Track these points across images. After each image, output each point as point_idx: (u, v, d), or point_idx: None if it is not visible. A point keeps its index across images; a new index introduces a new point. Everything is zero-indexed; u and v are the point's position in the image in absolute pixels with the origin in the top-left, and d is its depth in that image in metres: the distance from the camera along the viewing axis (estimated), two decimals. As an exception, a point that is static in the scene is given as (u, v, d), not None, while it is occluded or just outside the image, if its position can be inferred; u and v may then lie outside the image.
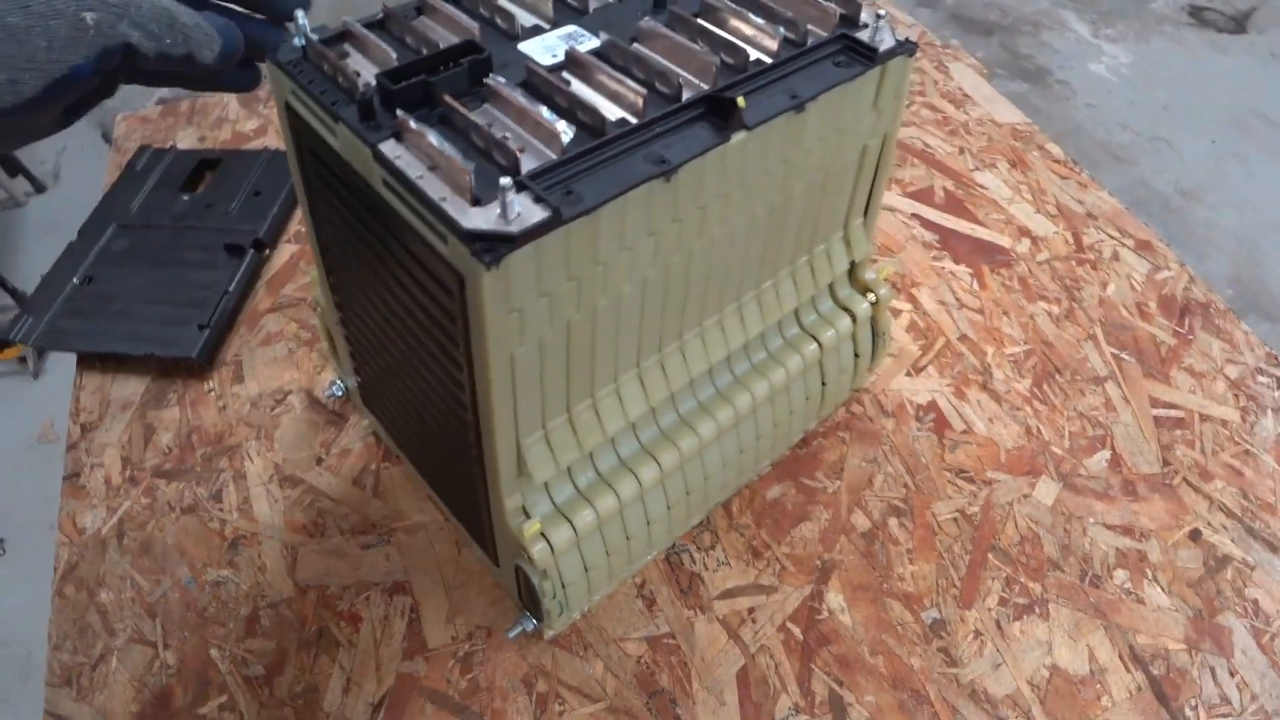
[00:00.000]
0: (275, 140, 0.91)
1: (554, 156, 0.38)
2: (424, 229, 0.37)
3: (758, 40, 0.45)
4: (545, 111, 0.38)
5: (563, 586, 0.50)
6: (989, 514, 0.62)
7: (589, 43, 0.45)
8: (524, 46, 0.44)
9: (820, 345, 0.58)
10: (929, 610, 0.57)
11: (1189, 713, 0.53)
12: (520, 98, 0.39)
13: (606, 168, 0.38)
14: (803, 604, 0.57)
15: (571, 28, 0.46)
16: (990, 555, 0.60)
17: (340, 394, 0.66)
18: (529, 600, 0.53)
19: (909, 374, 0.70)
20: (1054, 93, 2.30)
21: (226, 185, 0.84)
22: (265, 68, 0.45)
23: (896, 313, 0.73)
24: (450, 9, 0.45)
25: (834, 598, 0.58)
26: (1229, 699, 0.54)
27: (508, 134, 0.38)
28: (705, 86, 0.42)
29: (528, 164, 0.37)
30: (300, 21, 0.43)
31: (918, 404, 0.68)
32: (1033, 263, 0.77)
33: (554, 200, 0.35)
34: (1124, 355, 0.71)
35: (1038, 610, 0.58)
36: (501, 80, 0.40)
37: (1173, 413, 0.68)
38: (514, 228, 0.34)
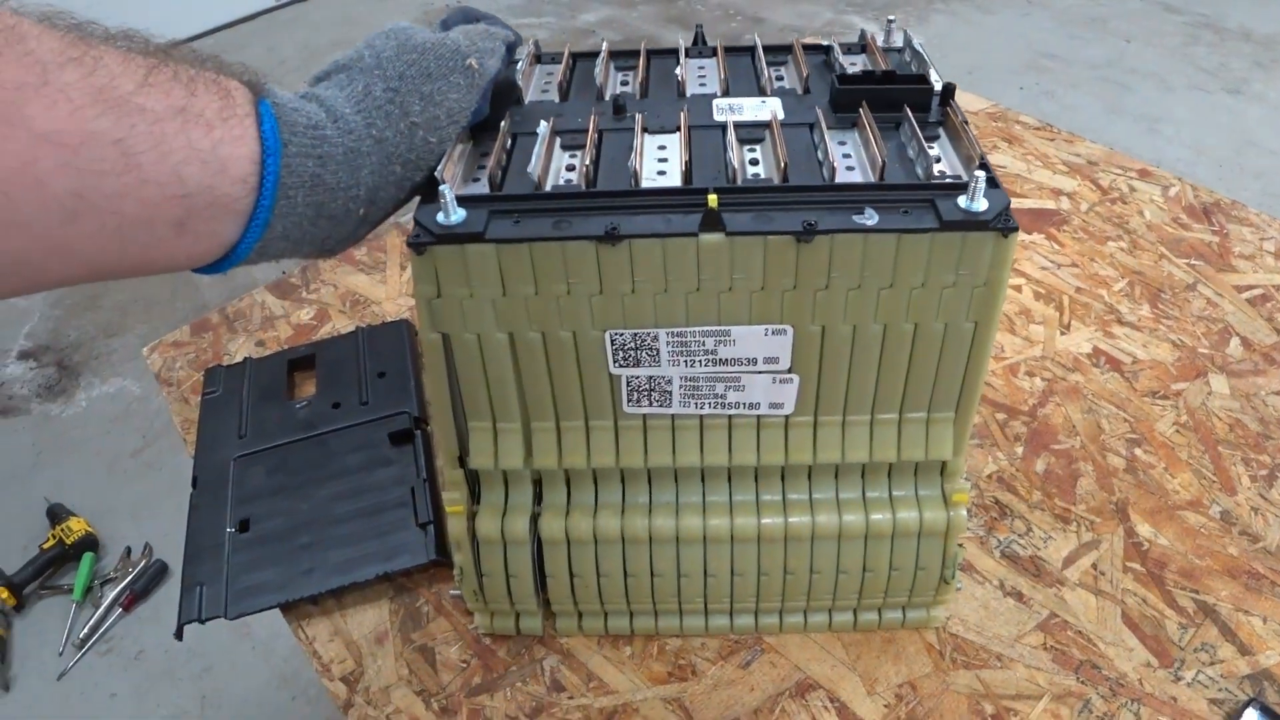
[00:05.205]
0: (343, 323, 0.88)
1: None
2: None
3: None
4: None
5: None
6: (1195, 417, 0.74)
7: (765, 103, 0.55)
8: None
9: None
10: (1211, 508, 0.68)
11: None
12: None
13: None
14: (1126, 543, 0.66)
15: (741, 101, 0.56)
16: (1220, 448, 0.72)
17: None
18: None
19: (1062, 332, 0.81)
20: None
21: (339, 378, 0.80)
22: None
23: (1018, 287, 0.85)
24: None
25: (1142, 528, 0.67)
26: None
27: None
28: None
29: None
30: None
31: (1086, 354, 0.79)
32: (1080, 214, 0.92)
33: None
34: (1193, 261, 0.86)
35: (1279, 473, 0.70)
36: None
37: (1254, 291, 0.83)
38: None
